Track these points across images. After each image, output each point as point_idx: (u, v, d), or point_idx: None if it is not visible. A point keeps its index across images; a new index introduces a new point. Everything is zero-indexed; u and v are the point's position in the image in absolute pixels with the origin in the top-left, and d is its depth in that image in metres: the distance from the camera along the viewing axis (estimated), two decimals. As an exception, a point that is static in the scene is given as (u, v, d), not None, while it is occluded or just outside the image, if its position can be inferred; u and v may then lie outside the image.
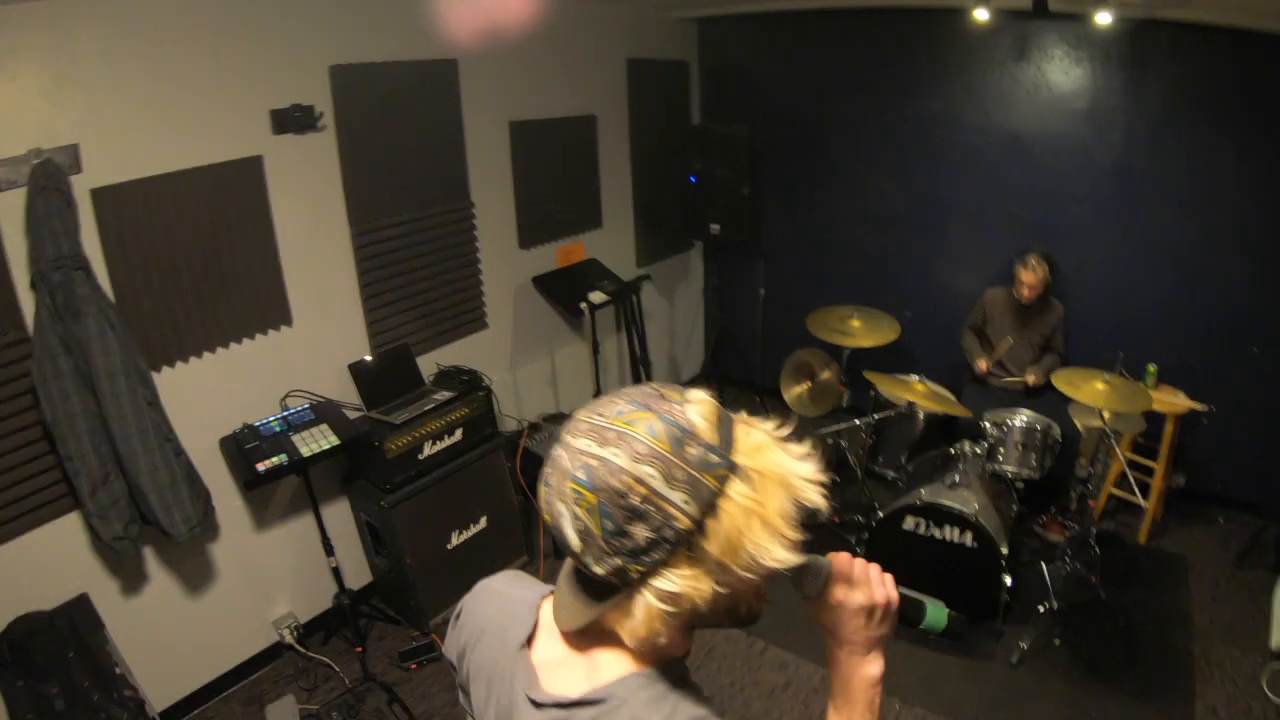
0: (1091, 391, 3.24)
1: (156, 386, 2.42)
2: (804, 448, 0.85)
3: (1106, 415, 3.31)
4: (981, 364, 4.10)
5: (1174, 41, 3.71)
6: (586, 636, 0.89)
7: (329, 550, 3.05)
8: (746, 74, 4.91)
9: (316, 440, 2.81)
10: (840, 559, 1.00)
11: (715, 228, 4.66)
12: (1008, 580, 3.26)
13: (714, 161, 4.59)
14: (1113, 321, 4.20)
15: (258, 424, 2.75)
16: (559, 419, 4.02)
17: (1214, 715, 3.10)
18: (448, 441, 3.26)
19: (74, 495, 2.32)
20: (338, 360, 3.09)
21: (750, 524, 0.78)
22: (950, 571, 3.31)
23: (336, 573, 3.10)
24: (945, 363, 4.40)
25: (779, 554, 0.79)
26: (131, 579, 2.64)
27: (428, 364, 3.46)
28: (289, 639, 3.13)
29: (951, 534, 3.27)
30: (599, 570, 0.80)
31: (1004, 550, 3.22)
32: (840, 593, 0.99)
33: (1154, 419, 3.87)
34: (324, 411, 2.92)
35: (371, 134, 3.05)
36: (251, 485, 2.70)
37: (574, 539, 0.79)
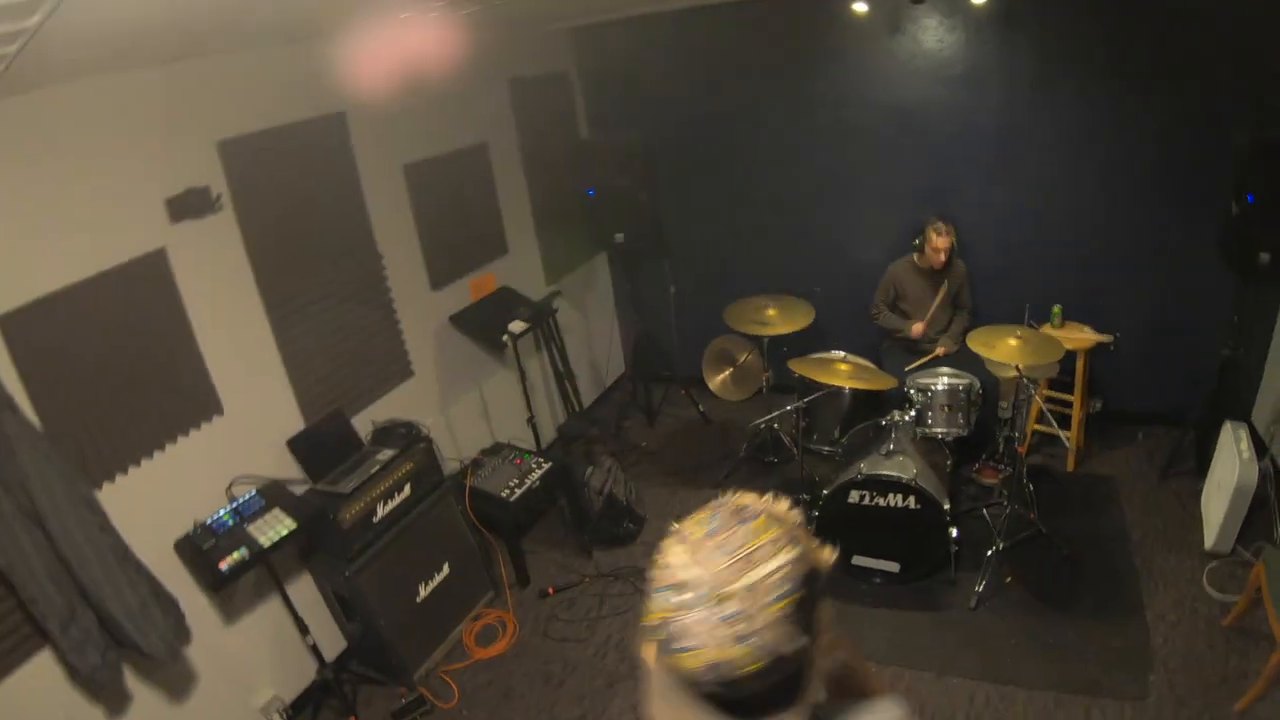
0: (1006, 349, 3.54)
1: (103, 507, 2.36)
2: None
3: (1023, 367, 3.60)
4: (917, 327, 4.31)
5: (1038, 5, 4.06)
6: None
7: (303, 629, 3.04)
8: (630, 78, 4.99)
9: (272, 527, 2.80)
10: None
11: (620, 237, 4.76)
12: (954, 532, 3.53)
13: (610, 171, 4.68)
14: (1013, 272, 4.54)
15: (209, 520, 2.71)
16: (499, 449, 4.10)
17: (1164, 620, 3.40)
18: (398, 499, 3.28)
19: (44, 635, 2.26)
20: (275, 438, 3.07)
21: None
22: (899, 534, 3.57)
23: (315, 650, 3.09)
24: (860, 332, 4.63)
25: None
26: (114, 702, 2.58)
27: (363, 422, 3.46)
28: None
29: (895, 500, 3.51)
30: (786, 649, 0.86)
31: (946, 506, 3.48)
32: None
33: (1066, 355, 4.13)
34: (272, 494, 2.90)
35: (271, 203, 3.02)
36: (218, 586, 2.68)
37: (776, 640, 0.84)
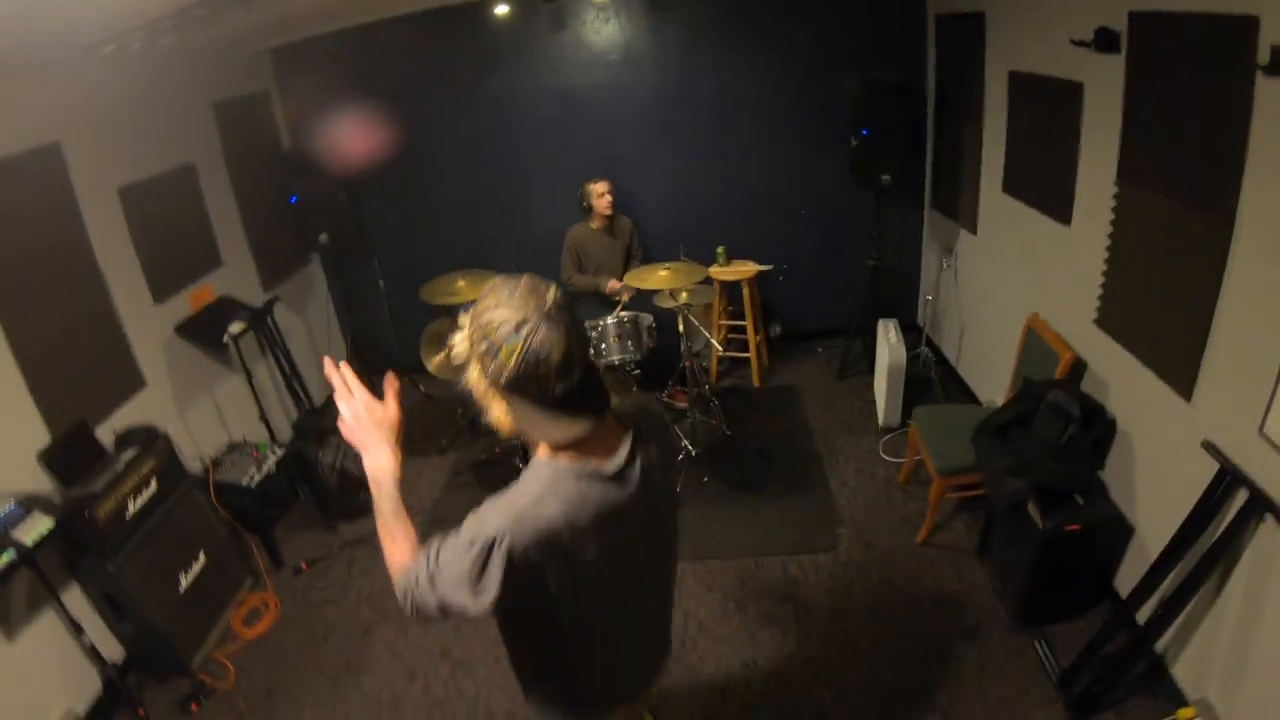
0: (657, 279, 4.31)
1: None
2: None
3: (685, 296, 4.35)
4: (613, 283, 5.02)
5: None
6: None
7: (78, 629, 3.27)
8: (327, 89, 5.49)
9: (35, 528, 3.08)
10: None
11: (324, 237, 5.29)
12: None
13: (310, 179, 5.22)
14: (680, 223, 5.53)
15: (-30, 535, 2.99)
16: (236, 446, 4.51)
17: (846, 486, 4.28)
18: (146, 494, 3.62)
19: None
20: (25, 454, 3.35)
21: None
22: None
23: (94, 650, 3.32)
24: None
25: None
26: None
27: (105, 433, 3.77)
28: None
29: None
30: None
31: None
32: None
33: (735, 288, 5.26)
34: (31, 503, 3.19)
35: None
36: (-10, 596, 2.97)
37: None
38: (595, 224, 5.23)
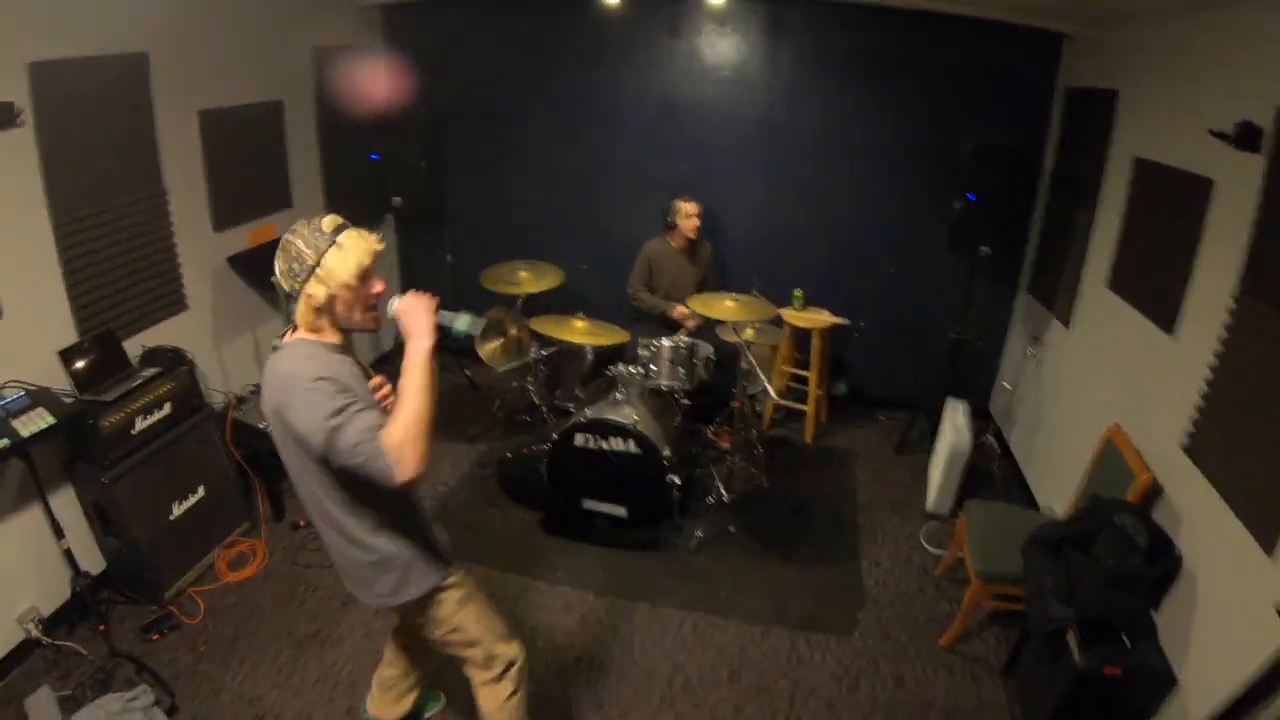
0: (721, 308, 4.16)
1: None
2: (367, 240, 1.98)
3: (750, 333, 4.22)
4: (680, 309, 4.80)
5: (803, 15, 4.91)
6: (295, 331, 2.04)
7: (59, 533, 3.32)
8: (430, 57, 5.56)
9: (35, 422, 3.09)
10: (406, 295, 2.08)
11: (397, 200, 5.30)
12: (675, 479, 3.96)
13: (396, 139, 5.21)
14: (761, 256, 5.33)
15: (-25, 416, 3.03)
16: (265, 389, 4.51)
17: (878, 567, 4.01)
18: (158, 415, 3.63)
19: None
20: (47, 349, 3.38)
21: (337, 264, 1.93)
22: (624, 477, 4.03)
23: (69, 555, 3.36)
24: (617, 303, 5.20)
25: (352, 271, 1.95)
26: None
27: (134, 346, 3.77)
28: (35, 633, 3.35)
29: (617, 444, 3.98)
30: (285, 287, 1.97)
31: (666, 453, 3.93)
32: (400, 303, 2.07)
33: (805, 336, 5.02)
34: (39, 397, 3.20)
35: (70, 128, 3.34)
36: (-23, 473, 3.00)
37: (279, 278, 1.97)
38: (675, 243, 5.06)
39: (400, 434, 1.87)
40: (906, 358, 5.56)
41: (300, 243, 1.95)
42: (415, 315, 2.03)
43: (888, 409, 5.68)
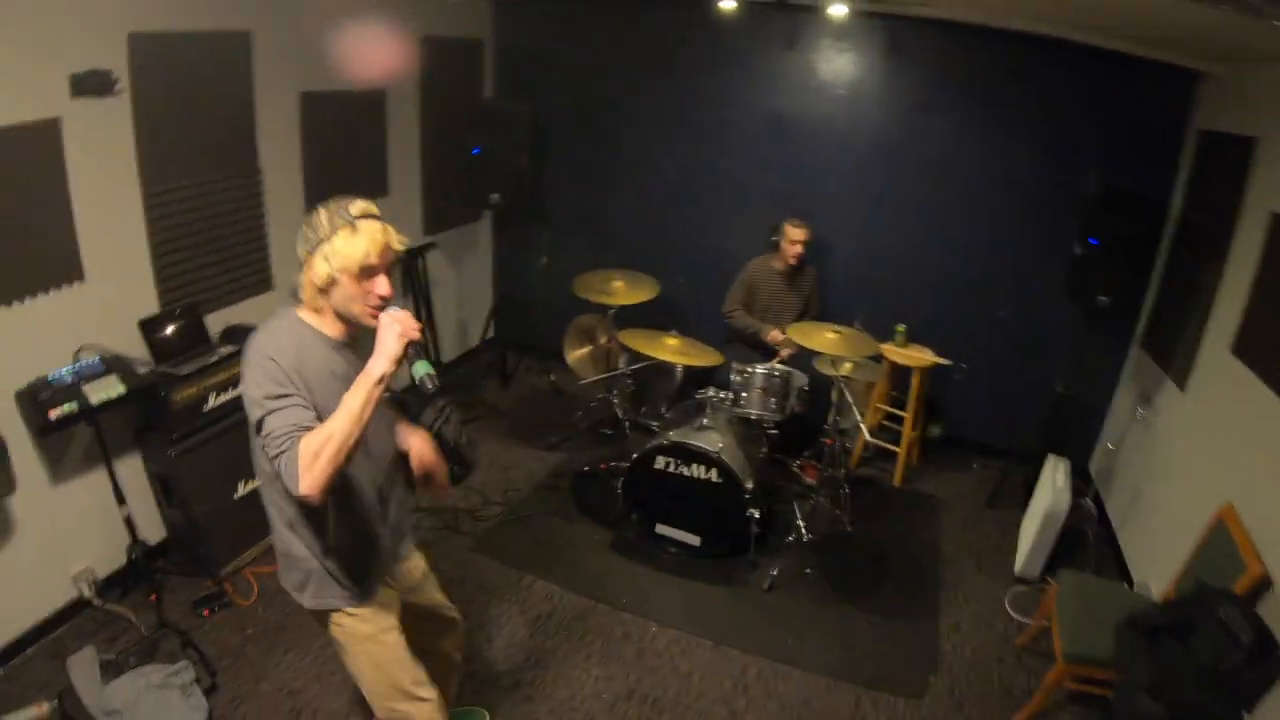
0: (821, 340, 3.99)
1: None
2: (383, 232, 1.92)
3: (848, 367, 4.04)
4: (775, 333, 4.64)
5: (927, 37, 4.65)
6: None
7: (121, 500, 3.37)
8: (538, 54, 5.55)
9: (106, 390, 3.14)
10: (398, 311, 1.92)
11: (495, 197, 5.23)
12: (754, 513, 3.81)
13: (498, 135, 5.15)
14: (866, 287, 5.11)
15: (49, 376, 3.05)
16: (345, 378, 4.51)
17: (957, 630, 3.73)
18: (232, 394, 3.63)
19: None
20: (128, 317, 3.42)
21: (343, 246, 1.84)
22: (701, 506, 3.91)
23: (129, 522, 3.42)
24: (711, 323, 5.04)
25: (358, 256, 1.84)
26: None
27: (216, 322, 3.82)
28: (87, 594, 3.42)
29: (698, 471, 3.86)
30: (299, 252, 1.91)
31: (748, 485, 3.79)
32: (385, 316, 1.88)
33: (904, 374, 4.78)
34: (114, 364, 3.24)
35: (166, 100, 3.39)
36: (44, 432, 3.01)
37: (298, 239, 1.91)
38: (778, 265, 4.86)
39: (317, 446, 1.75)
40: (1007, 405, 5.24)
41: (324, 214, 1.90)
42: (390, 333, 1.86)
43: (983, 457, 5.34)
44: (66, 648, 3.22)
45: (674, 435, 3.94)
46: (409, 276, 5.08)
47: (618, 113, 5.54)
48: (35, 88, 2.94)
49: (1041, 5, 3.93)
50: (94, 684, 2.95)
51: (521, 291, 6.07)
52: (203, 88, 3.61)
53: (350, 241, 1.85)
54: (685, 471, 3.91)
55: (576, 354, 5.44)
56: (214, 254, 3.84)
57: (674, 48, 5.27)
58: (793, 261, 4.76)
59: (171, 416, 3.43)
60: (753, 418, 4.23)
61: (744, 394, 4.20)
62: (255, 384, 1.82)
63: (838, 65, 5.02)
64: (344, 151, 4.53)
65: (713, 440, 3.89)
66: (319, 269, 1.87)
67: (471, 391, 5.65)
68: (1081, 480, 4.67)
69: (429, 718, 2.32)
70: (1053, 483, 4.10)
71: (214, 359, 3.61)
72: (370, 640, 2.23)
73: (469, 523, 4.30)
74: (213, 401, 3.60)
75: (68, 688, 2.97)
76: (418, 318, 5.10)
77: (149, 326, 3.49)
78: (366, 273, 1.88)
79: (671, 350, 4.18)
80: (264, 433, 1.80)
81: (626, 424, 4.65)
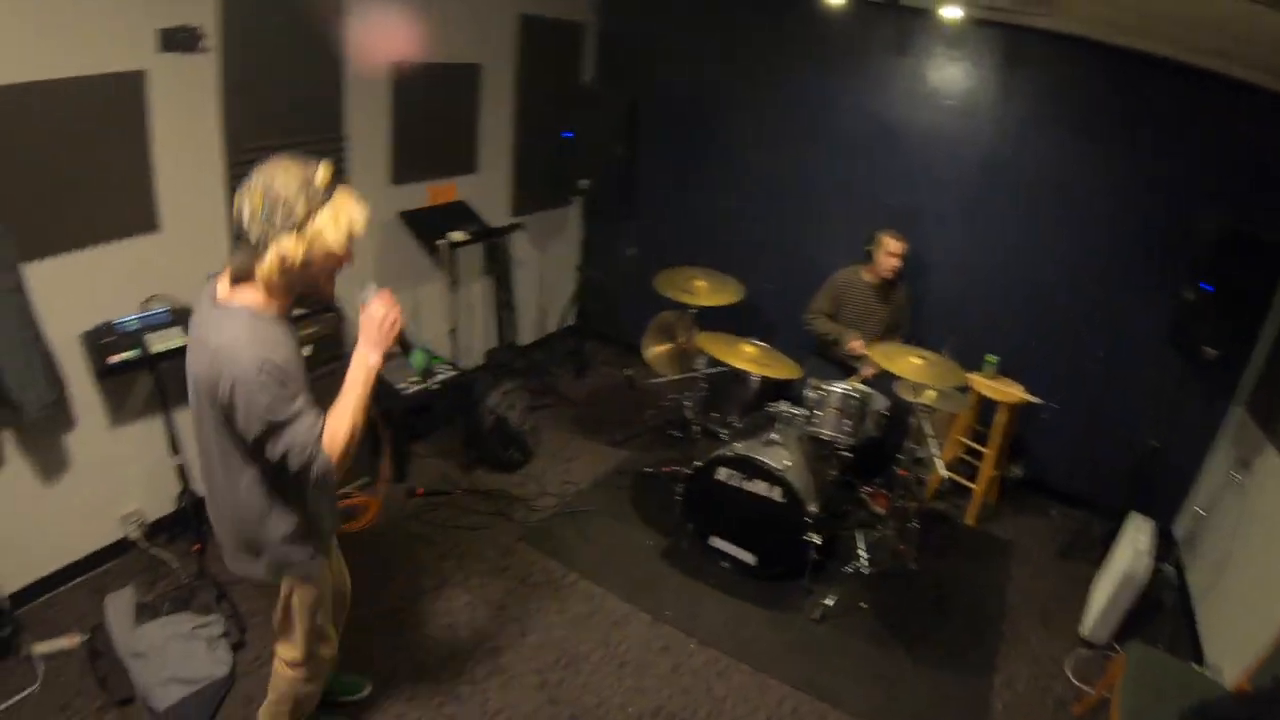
0: (905, 364, 3.72)
1: (23, 276, 2.80)
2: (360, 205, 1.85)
3: (931, 395, 3.82)
4: (856, 343, 4.42)
5: (1045, 50, 4.35)
6: (241, 283, 1.84)
7: (175, 449, 3.44)
8: (642, 41, 5.45)
9: (168, 340, 3.20)
10: (382, 292, 1.98)
11: (584, 183, 5.18)
12: (815, 539, 3.66)
13: (593, 121, 5.08)
14: (960, 311, 4.84)
15: (115, 322, 3.13)
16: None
17: (1010, 689, 3.49)
18: None
19: None
20: (200, 271, 3.47)
21: (327, 225, 1.76)
22: (760, 524, 3.76)
23: (182, 471, 3.49)
24: (795, 333, 4.85)
25: (335, 245, 1.79)
26: None
27: None
28: (134, 535, 3.53)
29: (761, 487, 3.70)
30: (253, 231, 1.73)
31: (811, 509, 3.63)
32: (374, 307, 1.95)
33: (989, 407, 4.50)
34: (181, 316, 3.31)
35: (254, 60, 3.43)
36: (103, 375, 3.12)
37: (245, 216, 1.73)
38: (869, 277, 4.63)
39: (343, 446, 1.89)
40: (1094, 452, 4.86)
41: (292, 188, 1.74)
42: (380, 328, 1.95)
43: (1063, 504, 5.01)
44: (108, 585, 3.34)
45: (740, 447, 3.80)
46: (491, 256, 5.05)
47: (718, 107, 5.38)
48: (123, 39, 3.00)
49: (1174, 28, 3.62)
50: (126, 624, 3.02)
51: (606, 281, 5.99)
52: (292, 50, 3.64)
53: (333, 220, 1.78)
54: (747, 486, 3.77)
55: (656, 350, 5.34)
56: (291, 217, 3.88)
57: (782, 44, 5.08)
58: (887, 275, 4.52)
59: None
60: (824, 438, 4.01)
61: (818, 412, 3.99)
62: (256, 401, 1.78)
63: (949, 74, 4.73)
64: (434, 125, 4.52)
65: (779, 457, 3.73)
66: (292, 252, 1.77)
67: (544, 378, 5.60)
68: (1165, 542, 4.31)
69: (330, 655, 2.50)
70: (1134, 544, 3.80)
71: (281, 320, 3.64)
72: (319, 600, 2.32)
73: (522, 511, 4.25)
74: (279, 363, 3.63)
75: (101, 624, 3.08)
76: (497, 298, 5.15)
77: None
78: (346, 250, 1.85)
79: (747, 358, 4.01)
80: (282, 445, 1.83)
81: (696, 428, 4.53)
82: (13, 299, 2.76)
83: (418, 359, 1.93)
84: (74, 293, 3.08)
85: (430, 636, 3.39)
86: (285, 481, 2.01)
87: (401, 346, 2.00)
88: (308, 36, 3.69)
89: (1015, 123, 4.58)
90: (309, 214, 1.75)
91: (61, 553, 3.36)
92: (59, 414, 3.06)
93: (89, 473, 3.32)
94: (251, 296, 1.85)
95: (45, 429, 3.11)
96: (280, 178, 1.73)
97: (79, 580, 3.42)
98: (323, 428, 1.86)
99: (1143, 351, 4.45)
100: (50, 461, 3.21)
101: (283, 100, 3.66)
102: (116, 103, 3.05)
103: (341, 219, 1.79)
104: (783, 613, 3.74)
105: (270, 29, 3.49)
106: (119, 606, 3.10)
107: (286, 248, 1.75)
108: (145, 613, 3.09)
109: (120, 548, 3.54)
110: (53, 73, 2.83)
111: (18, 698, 2.84)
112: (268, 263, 1.77)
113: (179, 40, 3.12)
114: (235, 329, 1.80)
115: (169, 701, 2.77)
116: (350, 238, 1.83)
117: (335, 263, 1.87)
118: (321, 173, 1.78)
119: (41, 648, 3.01)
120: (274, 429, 1.81)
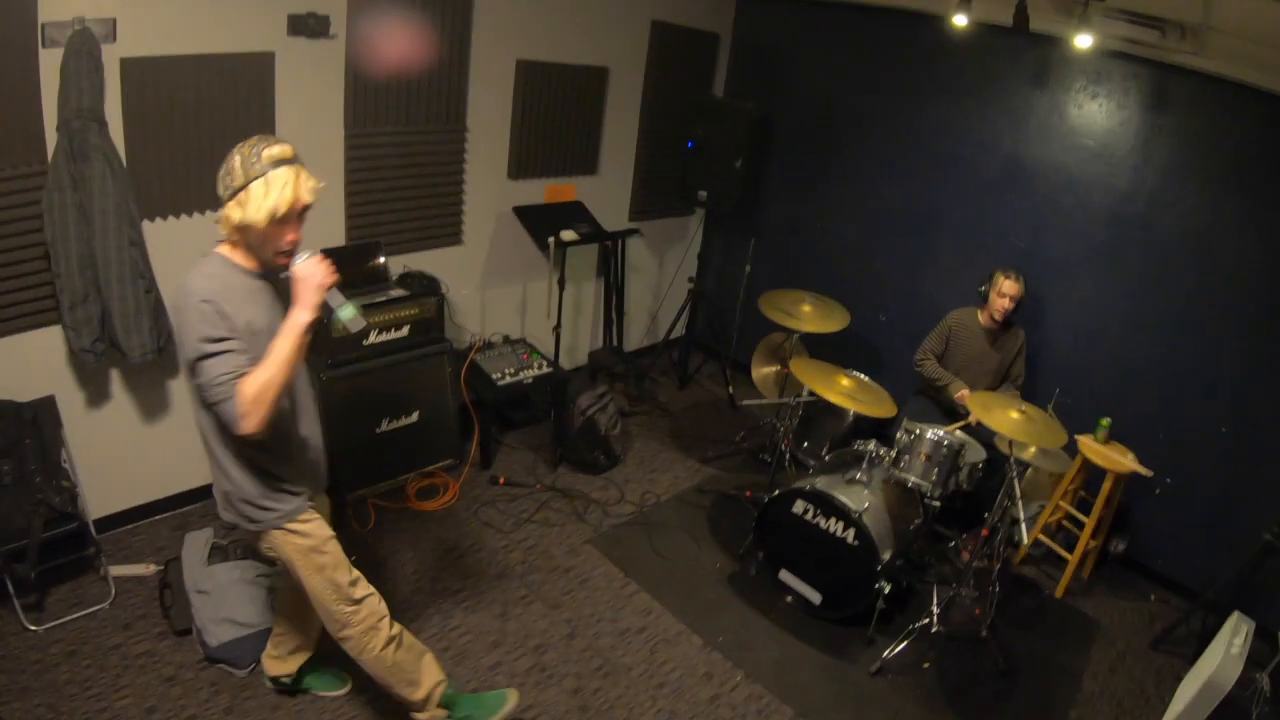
0: (1003, 418, 3.45)
1: (144, 232, 3.03)
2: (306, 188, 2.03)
3: (1033, 452, 3.63)
4: (965, 392, 4.21)
5: (1195, 93, 3.96)
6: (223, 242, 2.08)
7: None
8: (775, 57, 5.38)
9: None
10: (314, 255, 2.10)
11: (703, 194, 5.12)
12: (885, 587, 3.49)
13: (718, 133, 5.02)
14: (1077, 367, 4.49)
15: (221, 285, 3.41)
16: (515, 344, 4.58)
17: None
18: (393, 335, 3.83)
19: (58, 309, 2.95)
20: (309, 243, 3.70)
21: (256, 197, 1.93)
22: (830, 564, 3.62)
23: None
24: (902, 369, 4.68)
25: (264, 213, 1.94)
26: (96, 394, 3.28)
27: (397, 264, 4.02)
28: None
29: (835, 526, 3.57)
30: (220, 194, 1.99)
31: (884, 555, 3.49)
32: (303, 267, 2.06)
33: (1097, 473, 4.13)
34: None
35: (378, 48, 3.59)
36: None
37: (220, 185, 1.98)
38: (982, 319, 4.40)
39: (255, 392, 1.96)
40: (1205, 538, 4.38)
41: (239, 159, 1.97)
42: (307, 286, 2.06)
43: (1164, 589, 4.54)
44: (190, 524, 3.59)
45: (820, 483, 3.68)
46: (605, 260, 5.09)
47: (847, 129, 5.25)
48: (256, 22, 3.21)
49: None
50: (199, 562, 3.21)
51: (720, 296, 5.94)
52: (416, 40, 3.77)
53: (263, 194, 1.95)
54: (822, 524, 3.62)
55: (763, 371, 5.25)
56: (406, 200, 4.05)
57: (916, 70, 4.91)
58: (999, 317, 4.28)
59: (329, 342, 3.64)
60: (909, 485, 3.76)
61: (906, 456, 3.73)
62: (192, 328, 1.94)
63: (1088, 111, 4.40)
64: (556, 125, 4.61)
65: (859, 498, 3.58)
66: (233, 215, 1.98)
67: (644, 385, 5.59)
68: (1265, 647, 3.81)
69: (373, 610, 2.46)
70: (1228, 645, 3.44)
71: (383, 298, 3.80)
72: (315, 551, 2.36)
73: (597, 515, 4.26)
74: (374, 338, 3.80)
75: (176, 558, 3.30)
76: (607, 301, 5.18)
77: (329, 254, 3.68)
78: (276, 223, 2.00)
79: (841, 390, 3.87)
80: (200, 378, 1.97)
81: (786, 456, 4.40)
82: (132, 252, 2.99)
83: (347, 311, 2.03)
84: (188, 254, 3.30)
85: (480, 622, 3.44)
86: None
87: (332, 303, 2.16)
88: (434, 30, 3.83)
89: (1157, 170, 4.22)
90: (245, 184, 1.95)
91: (153, 488, 3.63)
92: (163, 361, 3.29)
93: (186, 419, 3.51)
94: (229, 249, 2.09)
95: (150, 373, 3.36)
96: (241, 151, 1.98)
97: (165, 515, 3.68)
98: (244, 372, 1.97)
99: (1268, 434, 4.03)
100: (152, 403, 3.46)
101: (403, 88, 3.81)
102: (246, 81, 3.27)
103: (270, 196, 1.95)
104: (839, 659, 3.56)
105: (394, 19, 3.64)
106: (195, 544, 3.30)
107: (229, 211, 1.99)
108: (218, 554, 3.26)
109: (207, 491, 3.75)
110: (197, 48, 3.08)
111: (88, 610, 3.11)
112: (221, 221, 2.03)
113: (308, 26, 3.32)
114: (200, 267, 2.04)
115: (221, 640, 2.95)
116: (274, 215, 1.97)
117: (270, 235, 2.02)
118: (273, 150, 1.98)
119: (118, 570, 3.27)
120: (201, 360, 1.95)
